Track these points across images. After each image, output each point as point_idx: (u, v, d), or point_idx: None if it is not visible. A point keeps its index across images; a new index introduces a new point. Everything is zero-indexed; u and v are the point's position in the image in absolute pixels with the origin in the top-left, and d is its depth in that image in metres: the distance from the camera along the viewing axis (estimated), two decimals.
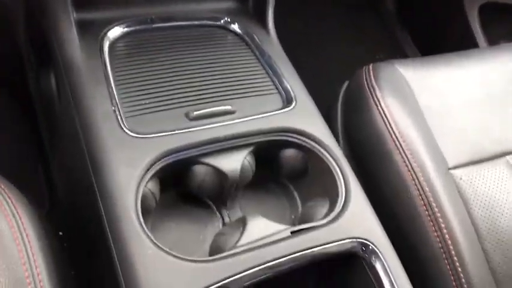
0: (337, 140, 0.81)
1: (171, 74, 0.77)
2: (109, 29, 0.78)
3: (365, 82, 0.86)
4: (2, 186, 0.64)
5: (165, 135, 0.68)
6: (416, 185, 0.78)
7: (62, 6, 0.74)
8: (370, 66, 0.89)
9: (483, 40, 1.38)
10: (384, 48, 1.58)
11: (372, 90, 0.85)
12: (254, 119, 0.74)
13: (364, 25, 1.65)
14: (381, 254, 0.68)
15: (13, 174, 0.71)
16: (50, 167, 1.02)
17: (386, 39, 1.63)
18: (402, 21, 1.65)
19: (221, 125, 0.71)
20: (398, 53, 1.60)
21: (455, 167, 0.82)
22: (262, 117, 0.75)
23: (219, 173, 0.70)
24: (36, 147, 1.10)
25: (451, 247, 0.75)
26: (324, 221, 0.68)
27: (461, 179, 0.81)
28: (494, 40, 1.38)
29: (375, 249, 0.68)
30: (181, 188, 0.73)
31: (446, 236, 0.75)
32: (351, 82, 0.91)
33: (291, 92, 0.80)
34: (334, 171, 0.73)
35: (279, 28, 0.92)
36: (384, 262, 0.67)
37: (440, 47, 1.11)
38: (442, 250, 0.75)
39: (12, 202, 0.62)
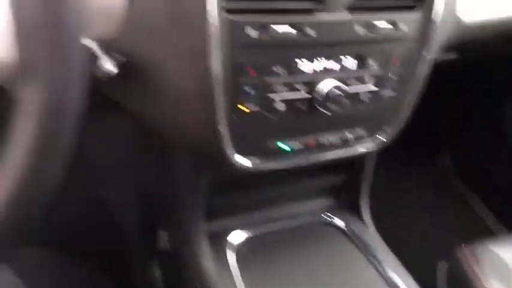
0: None
1: (288, 273, 0.84)
2: (232, 236, 0.88)
3: (467, 269, 0.90)
4: None
5: None
6: None
7: (196, 221, 0.83)
8: (467, 251, 0.93)
9: None
10: (463, 224, 1.58)
11: (476, 278, 0.88)
12: None
13: (438, 201, 1.69)
14: None
15: None
16: None
17: (463, 214, 1.65)
18: (474, 193, 1.69)
19: None
20: (478, 228, 1.60)
21: None
22: None
23: None
24: None
25: None
26: None
27: None
28: None
29: None
30: None
31: None
32: (451, 268, 0.95)
33: (396, 281, 0.85)
34: None
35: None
36: None
37: None
38: None
39: None
